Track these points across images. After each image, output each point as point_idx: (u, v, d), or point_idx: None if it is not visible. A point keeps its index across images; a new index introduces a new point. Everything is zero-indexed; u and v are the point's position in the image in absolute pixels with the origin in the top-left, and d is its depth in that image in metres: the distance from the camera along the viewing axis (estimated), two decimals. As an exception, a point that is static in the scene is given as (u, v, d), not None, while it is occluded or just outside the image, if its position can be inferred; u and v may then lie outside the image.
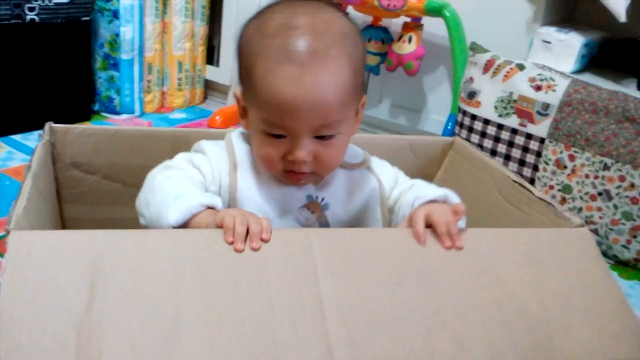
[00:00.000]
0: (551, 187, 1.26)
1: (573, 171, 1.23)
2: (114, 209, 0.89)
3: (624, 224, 1.19)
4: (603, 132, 1.19)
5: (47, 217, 0.71)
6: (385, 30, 1.66)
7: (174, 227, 0.58)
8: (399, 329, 0.51)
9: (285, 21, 0.59)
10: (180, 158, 0.68)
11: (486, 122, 1.35)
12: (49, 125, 0.82)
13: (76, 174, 0.86)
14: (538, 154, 1.27)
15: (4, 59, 1.54)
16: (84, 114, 1.77)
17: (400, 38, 1.59)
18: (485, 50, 1.38)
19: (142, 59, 1.84)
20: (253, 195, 0.66)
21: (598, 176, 1.20)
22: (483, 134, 1.35)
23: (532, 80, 1.28)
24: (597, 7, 1.31)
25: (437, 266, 0.57)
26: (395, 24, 1.67)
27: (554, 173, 1.26)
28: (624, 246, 1.20)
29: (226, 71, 2.01)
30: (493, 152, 1.34)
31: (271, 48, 0.59)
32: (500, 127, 1.32)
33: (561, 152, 1.24)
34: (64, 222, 0.88)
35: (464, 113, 1.40)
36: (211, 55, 2.09)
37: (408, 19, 1.59)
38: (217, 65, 2.05)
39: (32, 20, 1.55)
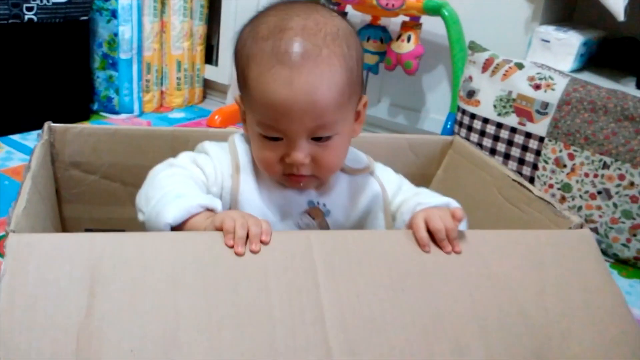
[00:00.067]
0: (551, 186, 1.27)
1: (572, 170, 1.23)
2: (113, 209, 0.89)
3: (623, 222, 1.19)
4: (602, 131, 1.19)
5: (46, 217, 0.71)
6: (384, 29, 1.66)
7: (171, 226, 0.58)
8: (399, 335, 0.51)
9: (277, 24, 0.59)
10: (184, 157, 0.68)
11: (485, 121, 1.35)
12: (48, 124, 0.82)
13: (75, 174, 0.86)
14: (537, 153, 1.28)
15: (3, 59, 1.54)
16: (83, 113, 1.77)
17: (399, 37, 1.59)
18: (484, 49, 1.38)
19: (141, 59, 1.84)
20: (254, 198, 0.66)
21: (597, 175, 1.20)
22: (482, 133, 1.35)
23: (531, 79, 1.28)
24: (596, 6, 1.31)
25: (437, 269, 0.56)
26: (394, 23, 1.67)
27: (553, 172, 1.26)
28: (623, 245, 1.21)
29: (225, 70, 2.01)
30: (492, 151, 1.34)
31: (264, 51, 0.59)
32: (499, 126, 1.33)
33: (560, 151, 1.24)
34: (63, 222, 0.87)
35: (463, 112, 1.40)
36: (210, 55, 2.09)
37: (407, 18, 1.59)
38: (216, 64, 2.05)
39: (31, 20, 1.55)
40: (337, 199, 0.69)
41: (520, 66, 1.30)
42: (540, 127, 1.26)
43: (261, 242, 0.53)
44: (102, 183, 0.88)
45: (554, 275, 0.59)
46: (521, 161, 1.30)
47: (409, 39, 1.57)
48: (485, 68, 1.35)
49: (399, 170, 0.79)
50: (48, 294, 0.47)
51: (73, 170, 0.86)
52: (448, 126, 1.53)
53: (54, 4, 1.58)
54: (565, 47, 1.36)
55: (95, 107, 1.84)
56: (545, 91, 1.25)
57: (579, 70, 1.38)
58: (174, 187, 0.61)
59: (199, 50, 2.00)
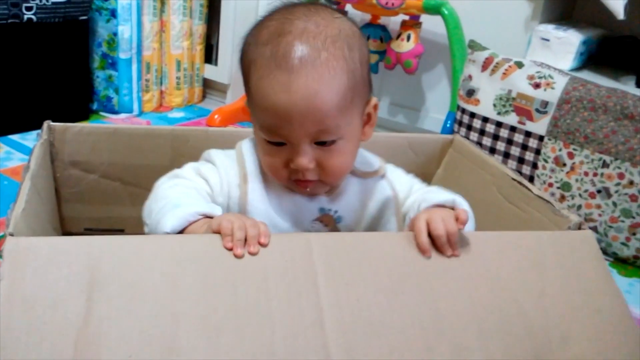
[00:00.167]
0: (550, 185, 1.27)
1: (572, 169, 1.23)
2: (113, 208, 0.89)
3: (623, 221, 1.19)
4: (602, 130, 1.19)
5: (45, 217, 0.71)
6: (383, 28, 1.66)
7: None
8: (398, 338, 0.51)
9: (277, 28, 0.59)
10: (189, 168, 0.67)
11: (485, 119, 1.35)
12: (47, 124, 0.82)
13: (75, 173, 0.86)
14: (537, 152, 1.27)
15: (2, 59, 1.54)
16: (83, 113, 1.77)
17: (398, 36, 1.59)
18: (484, 48, 1.38)
19: (141, 58, 1.84)
20: (264, 207, 0.65)
21: (597, 174, 1.20)
22: (482, 132, 1.35)
23: (531, 77, 1.28)
24: (596, 5, 1.31)
25: (437, 271, 0.56)
26: (393, 22, 1.67)
27: (553, 171, 1.26)
28: (623, 244, 1.21)
29: (225, 70, 2.01)
30: (492, 150, 1.34)
31: (263, 56, 0.59)
32: (499, 124, 1.32)
33: (560, 150, 1.24)
34: (62, 221, 0.87)
35: (463, 111, 1.40)
36: (210, 54, 2.09)
37: (406, 17, 1.58)
38: (216, 64, 2.05)
39: (30, 19, 1.55)
40: (348, 204, 0.68)
41: (520, 65, 1.30)
42: (539, 126, 1.26)
43: (260, 244, 0.53)
44: (102, 182, 0.88)
45: (554, 277, 0.58)
46: (521, 160, 1.30)
47: (408, 38, 1.57)
48: (485, 67, 1.35)
49: (399, 169, 0.79)
50: (46, 298, 0.47)
51: (72, 170, 0.86)
52: (448, 125, 1.53)
53: (53, 3, 1.57)
54: (564, 45, 1.36)
55: (95, 106, 1.84)
56: (545, 90, 1.25)
57: (578, 69, 1.38)
58: (173, 198, 0.61)
59: (199, 49, 2.00)
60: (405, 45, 1.57)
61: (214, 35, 2.07)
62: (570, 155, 1.23)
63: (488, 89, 1.34)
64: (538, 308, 0.56)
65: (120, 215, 0.89)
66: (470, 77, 1.38)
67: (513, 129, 1.30)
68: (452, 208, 0.64)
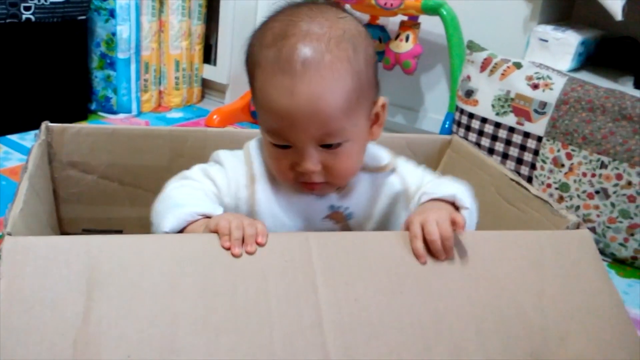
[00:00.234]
0: (549, 186, 1.27)
1: (570, 169, 1.23)
2: (111, 209, 0.89)
3: (621, 222, 1.19)
4: (600, 130, 1.19)
5: (44, 218, 0.71)
6: (382, 28, 1.66)
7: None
8: (397, 339, 0.51)
9: (281, 30, 0.58)
10: (197, 169, 0.67)
11: (483, 120, 1.35)
12: (45, 124, 0.82)
13: (73, 174, 0.86)
14: (535, 152, 1.28)
15: (0, 59, 1.54)
16: (81, 113, 1.77)
17: (397, 37, 1.59)
18: (482, 49, 1.38)
19: (139, 58, 1.84)
20: (273, 208, 0.65)
21: (595, 174, 1.20)
22: (480, 133, 1.35)
23: (529, 78, 1.28)
24: (594, 6, 1.31)
25: (436, 271, 0.56)
26: (392, 22, 1.67)
27: (551, 171, 1.26)
28: (621, 244, 1.21)
29: (223, 70, 2.00)
30: (490, 151, 1.34)
31: (267, 59, 0.58)
32: (497, 125, 1.33)
33: (558, 151, 1.24)
34: (61, 222, 0.87)
35: (462, 111, 1.40)
36: (208, 54, 2.08)
37: (405, 18, 1.59)
38: (215, 64, 2.05)
39: (28, 19, 1.55)
40: (358, 200, 0.68)
41: (518, 66, 1.30)
42: (538, 126, 1.26)
43: (257, 243, 0.53)
44: (100, 183, 0.87)
45: (553, 277, 0.58)
46: (519, 161, 1.31)
47: (407, 39, 1.57)
48: (483, 67, 1.35)
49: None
50: (45, 298, 0.47)
51: (71, 170, 0.86)
52: (446, 126, 1.53)
53: (51, 3, 1.57)
54: (563, 46, 1.36)
55: (93, 106, 1.84)
56: (544, 91, 1.26)
57: (577, 69, 1.38)
58: (177, 198, 0.61)
59: (197, 49, 2.00)
60: (403, 46, 1.57)
61: (213, 35, 2.07)
62: (569, 156, 1.23)
63: (487, 89, 1.34)
64: (536, 308, 0.56)
65: (119, 216, 0.89)
66: (468, 77, 1.38)
67: (511, 129, 1.30)
68: (453, 202, 0.62)
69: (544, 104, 1.25)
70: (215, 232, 0.53)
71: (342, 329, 0.50)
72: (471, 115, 1.37)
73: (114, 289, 0.48)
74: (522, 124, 1.29)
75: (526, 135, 1.29)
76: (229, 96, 2.03)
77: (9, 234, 0.50)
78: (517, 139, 1.30)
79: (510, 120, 1.30)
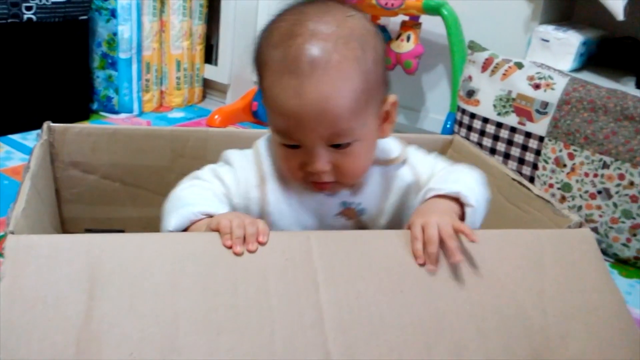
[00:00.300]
0: (551, 186, 1.27)
1: (572, 169, 1.23)
2: (113, 208, 0.89)
3: (623, 222, 1.19)
4: (602, 131, 1.19)
5: (46, 217, 0.71)
6: (383, 28, 1.66)
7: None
8: (398, 338, 0.51)
9: (288, 30, 0.57)
10: (207, 169, 0.67)
11: (485, 120, 1.35)
12: (47, 124, 0.82)
13: (75, 174, 0.86)
14: (537, 153, 1.28)
15: (2, 59, 1.54)
16: (83, 113, 1.77)
17: (398, 37, 1.59)
18: (484, 49, 1.38)
19: (140, 58, 1.84)
20: (285, 207, 0.64)
21: (597, 174, 1.20)
22: (482, 133, 1.35)
23: (531, 78, 1.28)
24: (595, 6, 1.31)
25: (437, 270, 0.56)
26: (393, 22, 1.67)
27: (553, 171, 1.26)
28: (623, 244, 1.21)
29: (225, 70, 2.00)
30: (492, 151, 1.34)
31: (274, 59, 0.57)
32: (499, 125, 1.32)
33: (560, 151, 1.24)
34: (63, 222, 0.87)
35: (463, 112, 1.40)
36: (209, 54, 2.09)
37: (406, 18, 1.59)
38: (216, 64, 2.05)
39: (30, 19, 1.55)
40: (370, 196, 0.67)
41: (519, 66, 1.30)
42: (540, 126, 1.26)
43: (258, 242, 0.53)
44: (102, 183, 0.87)
45: (554, 276, 0.58)
46: (521, 161, 1.30)
47: (408, 39, 1.57)
48: (484, 67, 1.35)
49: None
50: (47, 297, 0.47)
51: (72, 170, 0.86)
52: (448, 126, 1.53)
53: (53, 3, 1.57)
54: (564, 46, 1.36)
55: (95, 106, 1.84)
56: (545, 91, 1.25)
57: (578, 69, 1.38)
58: (184, 198, 0.61)
59: (199, 49, 2.00)
60: (405, 46, 1.57)
61: (214, 35, 2.07)
62: (571, 156, 1.23)
63: (488, 89, 1.34)
64: (537, 307, 0.56)
65: (121, 216, 0.89)
66: (470, 77, 1.38)
67: (513, 129, 1.30)
68: (457, 199, 0.62)
69: (545, 104, 1.25)
70: (217, 230, 0.53)
71: (342, 327, 0.50)
72: (473, 116, 1.37)
73: (116, 287, 0.49)
74: (523, 124, 1.29)
75: (528, 135, 1.28)
76: (230, 96, 2.03)
77: (12, 233, 0.50)
78: (518, 139, 1.30)
79: (511, 120, 1.30)
